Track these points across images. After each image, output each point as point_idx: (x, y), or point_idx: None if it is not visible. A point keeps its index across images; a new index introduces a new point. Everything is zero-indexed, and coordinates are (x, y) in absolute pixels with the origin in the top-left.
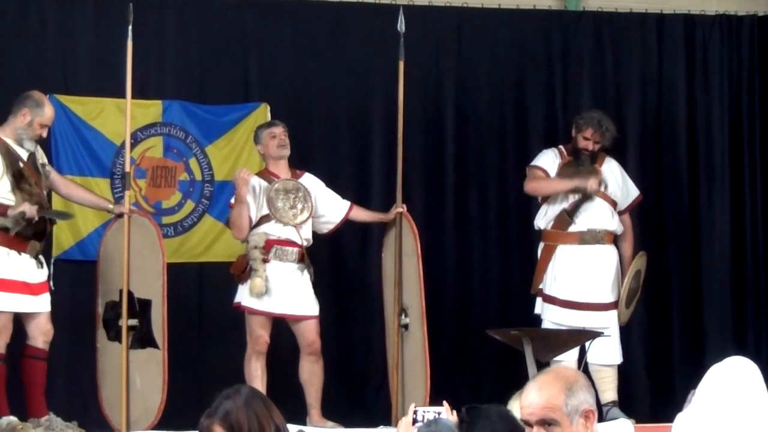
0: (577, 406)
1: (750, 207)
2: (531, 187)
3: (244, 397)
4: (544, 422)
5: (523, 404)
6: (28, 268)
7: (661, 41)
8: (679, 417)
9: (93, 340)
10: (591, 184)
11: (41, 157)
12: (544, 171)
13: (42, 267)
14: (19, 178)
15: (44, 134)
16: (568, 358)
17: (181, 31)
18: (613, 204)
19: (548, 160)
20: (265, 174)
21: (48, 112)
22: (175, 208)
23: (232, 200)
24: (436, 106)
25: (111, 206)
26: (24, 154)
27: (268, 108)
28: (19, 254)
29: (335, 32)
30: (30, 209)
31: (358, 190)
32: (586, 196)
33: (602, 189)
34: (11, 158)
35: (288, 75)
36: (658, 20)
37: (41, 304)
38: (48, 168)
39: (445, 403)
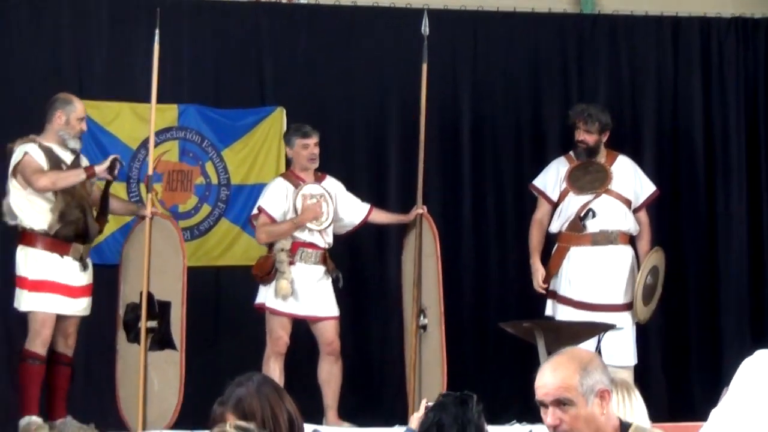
0: (593, 386)
1: (767, 204)
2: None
3: (256, 384)
4: (560, 402)
5: (538, 385)
6: (69, 270)
7: (676, 44)
8: (714, 413)
9: (111, 343)
10: (536, 281)
11: (84, 163)
12: (545, 196)
13: (86, 270)
14: None
15: (84, 127)
16: None
17: (196, 35)
18: (627, 203)
19: (550, 177)
20: (290, 176)
21: (79, 105)
22: (192, 212)
23: (262, 203)
24: (452, 109)
25: (139, 210)
26: (68, 158)
27: (284, 112)
28: (61, 257)
29: (350, 36)
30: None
31: (375, 193)
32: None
33: (542, 290)
34: (54, 160)
35: (304, 78)
36: (673, 23)
37: (80, 308)
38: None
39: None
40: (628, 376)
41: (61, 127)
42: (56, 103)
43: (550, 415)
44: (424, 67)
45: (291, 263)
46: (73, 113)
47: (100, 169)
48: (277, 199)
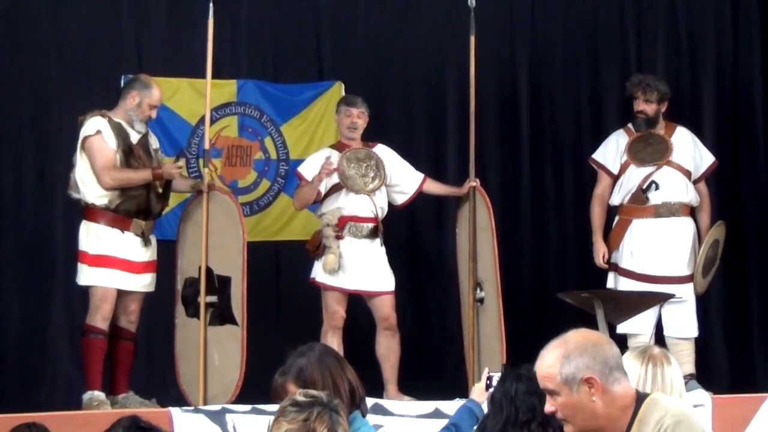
0: (574, 374)
1: None
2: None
3: (317, 354)
4: (547, 391)
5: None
6: (130, 246)
7: (736, 8)
8: None
9: (171, 318)
10: (597, 258)
11: (154, 143)
12: (606, 170)
13: (147, 245)
14: (128, 155)
15: (153, 115)
16: (644, 331)
17: (254, 10)
18: (687, 174)
19: (610, 150)
20: (338, 146)
21: (156, 93)
22: (251, 187)
23: (299, 168)
24: (510, 80)
25: (198, 185)
26: (135, 137)
27: (343, 86)
28: (122, 232)
29: (408, 8)
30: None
31: (433, 166)
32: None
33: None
34: (123, 137)
35: (362, 52)
36: None
37: (142, 284)
38: (160, 155)
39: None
40: (690, 348)
41: (132, 107)
42: (134, 83)
43: (546, 402)
44: (472, 39)
45: (339, 237)
46: (147, 98)
47: (168, 172)
48: (314, 165)
